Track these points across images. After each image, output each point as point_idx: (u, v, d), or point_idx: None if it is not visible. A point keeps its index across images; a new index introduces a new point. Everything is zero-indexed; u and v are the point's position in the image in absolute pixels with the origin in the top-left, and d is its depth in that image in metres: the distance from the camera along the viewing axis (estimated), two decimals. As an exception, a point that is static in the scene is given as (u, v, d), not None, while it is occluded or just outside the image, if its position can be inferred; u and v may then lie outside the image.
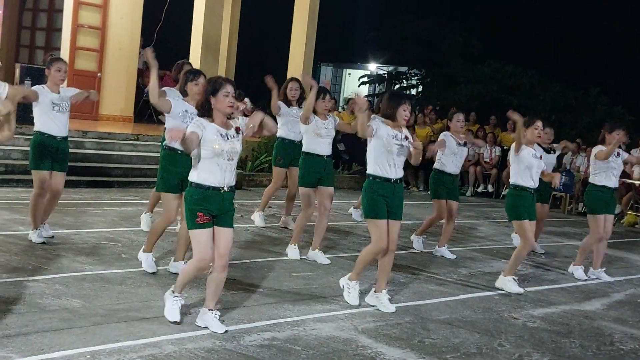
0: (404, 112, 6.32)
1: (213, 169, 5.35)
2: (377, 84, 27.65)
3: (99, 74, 15.59)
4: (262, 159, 14.39)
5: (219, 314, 5.49)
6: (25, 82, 12.72)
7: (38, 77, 13.17)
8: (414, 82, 25.76)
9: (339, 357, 5.19)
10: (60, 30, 16.09)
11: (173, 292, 5.58)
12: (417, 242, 9.41)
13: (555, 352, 5.86)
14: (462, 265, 8.72)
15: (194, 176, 5.41)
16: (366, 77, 26.89)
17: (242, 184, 13.68)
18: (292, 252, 8.15)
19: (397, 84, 26.03)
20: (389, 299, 6.52)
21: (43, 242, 7.60)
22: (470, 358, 5.49)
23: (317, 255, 8.09)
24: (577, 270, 8.76)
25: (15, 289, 5.92)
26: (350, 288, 6.60)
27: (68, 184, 11.35)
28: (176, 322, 5.46)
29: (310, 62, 17.61)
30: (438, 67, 23.68)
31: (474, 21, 25.28)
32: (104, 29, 15.88)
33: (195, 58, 14.97)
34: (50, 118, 7.56)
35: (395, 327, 6.01)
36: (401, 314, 6.38)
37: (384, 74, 28.06)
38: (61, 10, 15.93)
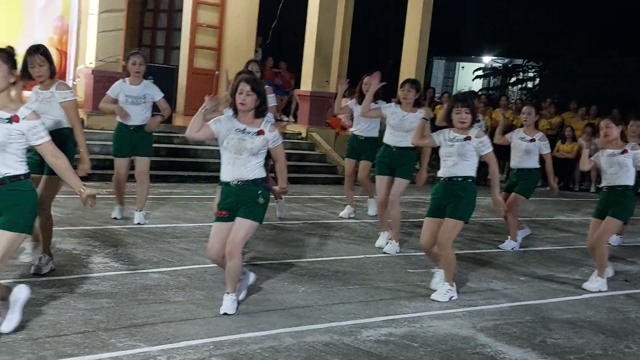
0: (457, 115, 6.39)
1: None
2: (491, 77, 27.12)
3: (216, 72, 15.97)
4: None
5: (234, 298, 5.55)
6: (148, 79, 13.18)
7: (159, 75, 13.67)
8: (530, 74, 25.12)
9: (457, 355, 5.13)
10: (179, 29, 16.58)
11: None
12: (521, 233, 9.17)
13: (687, 356, 5.58)
14: (583, 264, 8.43)
15: None
16: (481, 71, 26.42)
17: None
18: (390, 247, 8.19)
19: (513, 76, 25.46)
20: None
21: (115, 218, 8.39)
22: (594, 360, 5.32)
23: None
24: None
25: (142, 281, 6.16)
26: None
27: (188, 179, 11.76)
28: None
29: (424, 57, 17.44)
30: (556, 59, 22.98)
31: (593, 12, 24.38)
32: (222, 28, 16.26)
33: (308, 55, 15.15)
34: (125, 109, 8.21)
35: (515, 326, 5.88)
36: (521, 313, 6.24)
37: (499, 66, 27.48)
38: (181, 10, 16.41)
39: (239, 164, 5.46)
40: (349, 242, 8.48)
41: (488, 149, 6.37)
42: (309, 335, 5.21)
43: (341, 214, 10.15)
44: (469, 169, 6.36)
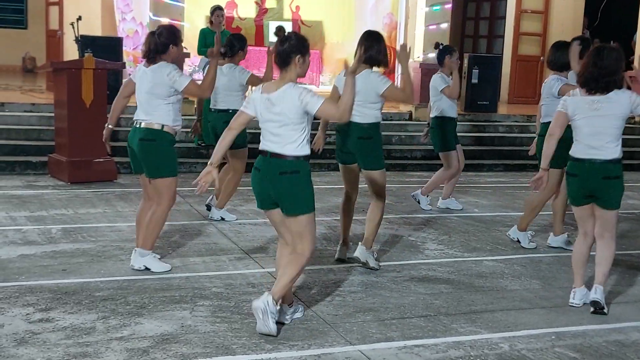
0: None
1: None
2: None
3: (541, 58, 15.59)
4: None
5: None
6: (473, 70, 13.34)
7: (483, 65, 13.71)
8: None
9: None
10: (503, 17, 16.45)
11: None
12: None
13: None
14: None
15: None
16: None
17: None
18: None
19: None
20: None
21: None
22: None
23: None
24: None
25: (477, 268, 6.24)
26: None
27: (514, 168, 11.63)
28: None
29: None
30: None
31: None
32: (547, 12, 15.84)
33: (643, 33, 14.17)
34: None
35: None
36: None
37: None
38: (505, -2, 16.28)
39: None
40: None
41: None
42: (658, 331, 4.92)
43: None
44: None
